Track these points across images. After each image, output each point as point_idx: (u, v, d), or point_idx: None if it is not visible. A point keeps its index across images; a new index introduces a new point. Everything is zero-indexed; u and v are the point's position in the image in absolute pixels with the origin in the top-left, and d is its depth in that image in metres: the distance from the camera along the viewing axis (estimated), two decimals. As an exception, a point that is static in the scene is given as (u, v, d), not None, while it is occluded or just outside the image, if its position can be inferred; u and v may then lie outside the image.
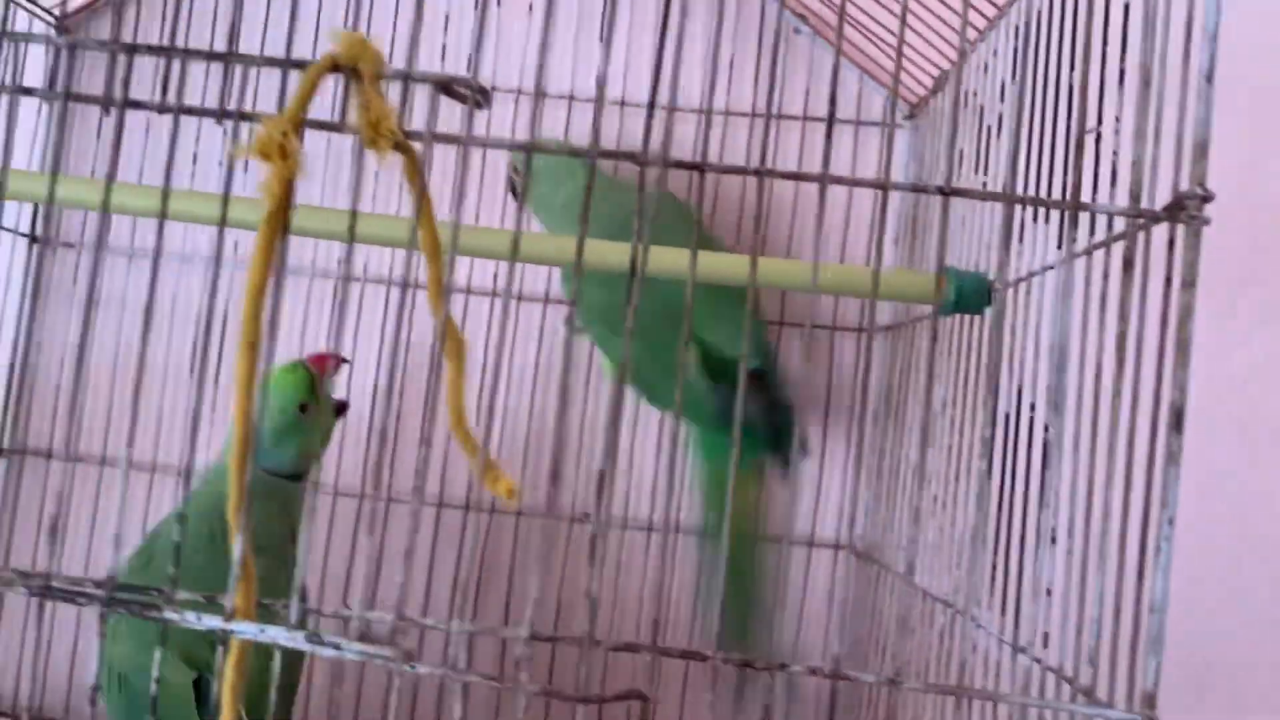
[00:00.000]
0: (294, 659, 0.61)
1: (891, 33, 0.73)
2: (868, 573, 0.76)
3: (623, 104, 0.79)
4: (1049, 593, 0.45)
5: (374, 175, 0.79)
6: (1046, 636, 0.45)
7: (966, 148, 0.64)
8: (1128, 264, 0.36)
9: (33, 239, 0.79)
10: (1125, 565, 0.36)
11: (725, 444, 0.60)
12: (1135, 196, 0.35)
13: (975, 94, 0.64)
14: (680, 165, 0.34)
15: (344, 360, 0.68)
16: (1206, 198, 0.34)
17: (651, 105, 0.34)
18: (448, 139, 0.36)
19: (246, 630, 0.31)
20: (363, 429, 0.77)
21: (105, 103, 0.34)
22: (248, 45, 0.58)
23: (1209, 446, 0.80)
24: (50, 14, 0.77)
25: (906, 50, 0.74)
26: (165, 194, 0.36)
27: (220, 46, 0.38)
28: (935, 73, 0.72)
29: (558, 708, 0.75)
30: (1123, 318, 0.35)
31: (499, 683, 0.31)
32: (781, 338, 0.80)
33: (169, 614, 0.32)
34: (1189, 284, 0.34)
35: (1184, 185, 0.35)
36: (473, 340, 0.77)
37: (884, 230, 0.36)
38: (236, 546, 0.32)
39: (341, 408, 0.69)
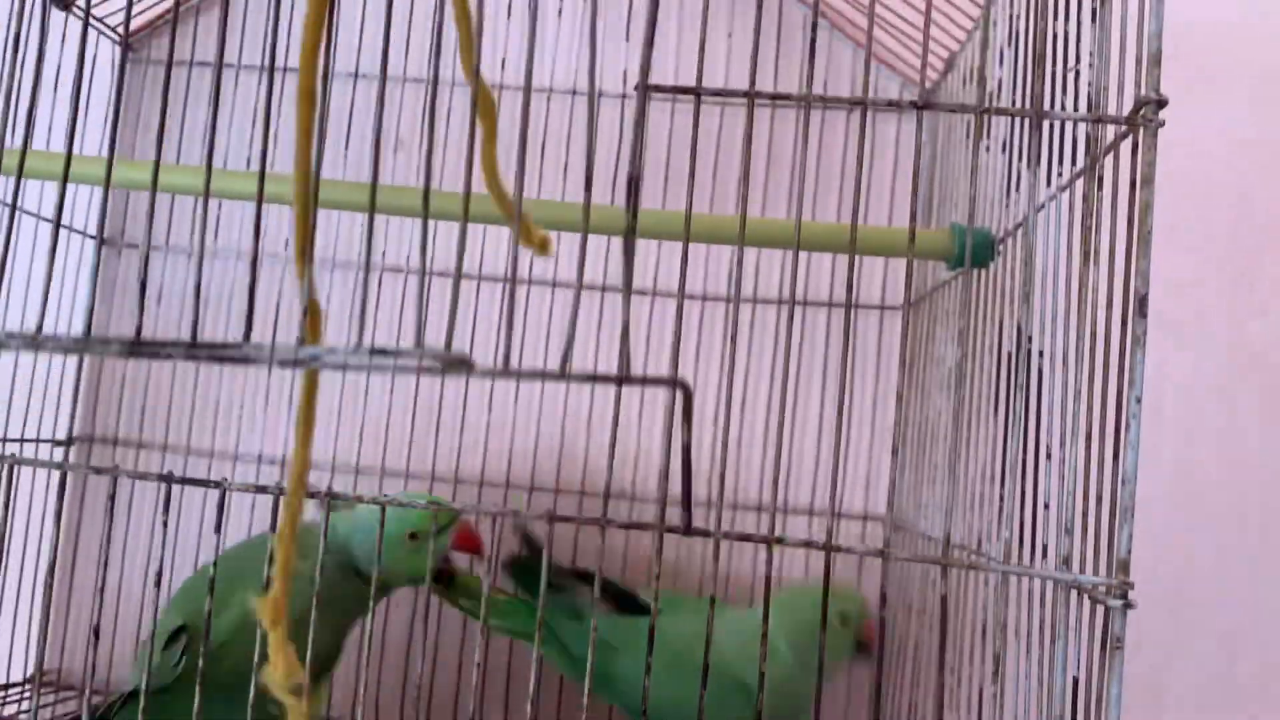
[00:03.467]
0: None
1: (903, 18, 0.77)
2: (899, 538, 0.78)
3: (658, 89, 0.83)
4: (1046, 507, 0.48)
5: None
6: (1046, 548, 0.47)
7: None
8: (1089, 171, 0.39)
9: (102, 241, 0.84)
10: (1105, 450, 0.38)
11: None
12: (1093, 106, 0.38)
13: (980, 67, 0.67)
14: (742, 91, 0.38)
15: (480, 553, 0.70)
16: (1162, 102, 0.37)
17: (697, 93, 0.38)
18: None
19: (314, 352, 0.31)
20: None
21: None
22: None
23: (1233, 417, 0.82)
24: (115, 31, 0.83)
25: (915, 35, 0.77)
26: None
27: None
28: (944, 54, 0.76)
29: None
30: (1088, 217, 0.38)
31: (551, 376, 0.32)
32: (806, 316, 0.83)
33: (248, 349, 0.32)
34: (1148, 181, 0.37)
35: (1142, 94, 0.38)
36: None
37: (919, 161, 0.39)
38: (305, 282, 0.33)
39: (444, 576, 0.69)
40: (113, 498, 0.40)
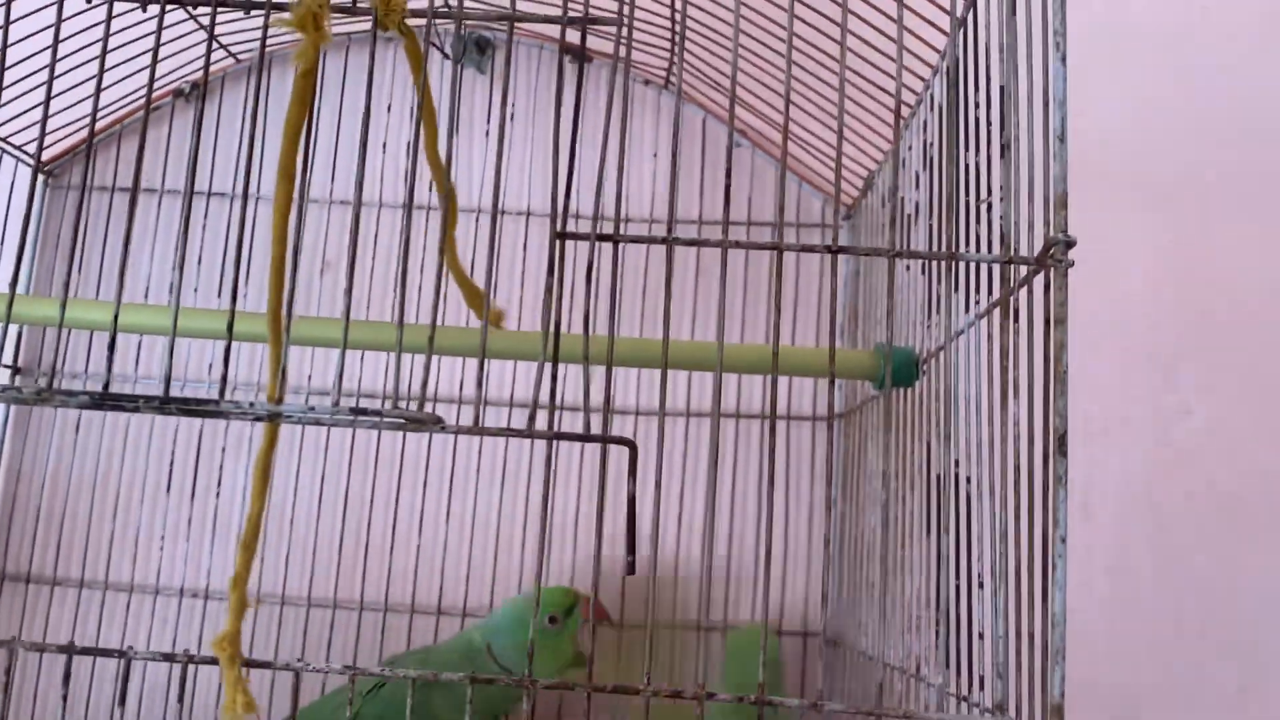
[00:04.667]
0: None
1: (824, 141, 0.78)
2: (837, 654, 0.77)
3: (578, 216, 0.84)
4: (981, 637, 0.47)
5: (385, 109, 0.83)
6: (982, 680, 0.46)
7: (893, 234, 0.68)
8: (1003, 307, 0.39)
9: (15, 370, 0.82)
10: (1030, 588, 0.38)
11: None
12: (1005, 246, 0.39)
13: (898, 188, 0.69)
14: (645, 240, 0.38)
15: (610, 622, 0.74)
16: (1070, 243, 0.38)
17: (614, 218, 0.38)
18: (445, 15, 0.40)
19: (291, 409, 0.32)
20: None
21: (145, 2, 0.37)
22: None
23: (1164, 520, 0.83)
24: (32, 157, 0.82)
25: (834, 155, 0.79)
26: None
27: None
28: (864, 174, 0.77)
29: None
30: (1004, 357, 0.39)
31: (517, 433, 0.33)
32: (740, 428, 0.83)
33: (225, 405, 0.33)
34: (1060, 321, 0.37)
35: (1051, 234, 0.39)
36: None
37: (835, 302, 0.40)
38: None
39: (582, 660, 0.70)
40: (9, 671, 0.38)
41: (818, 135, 0.78)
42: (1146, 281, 0.85)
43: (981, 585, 0.46)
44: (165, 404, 0.33)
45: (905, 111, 0.67)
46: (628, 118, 0.46)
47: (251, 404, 0.34)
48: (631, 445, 0.36)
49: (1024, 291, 0.42)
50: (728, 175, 0.38)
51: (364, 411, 0.33)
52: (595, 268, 0.38)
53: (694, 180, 0.85)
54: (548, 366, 0.37)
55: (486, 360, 0.35)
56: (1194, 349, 0.85)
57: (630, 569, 0.35)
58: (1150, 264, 0.85)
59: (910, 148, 0.66)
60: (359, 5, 0.39)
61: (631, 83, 0.84)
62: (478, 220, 0.84)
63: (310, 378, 0.82)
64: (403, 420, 0.33)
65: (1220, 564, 0.82)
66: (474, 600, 0.80)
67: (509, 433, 0.35)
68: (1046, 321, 0.38)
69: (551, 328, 0.38)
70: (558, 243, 0.38)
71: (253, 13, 0.41)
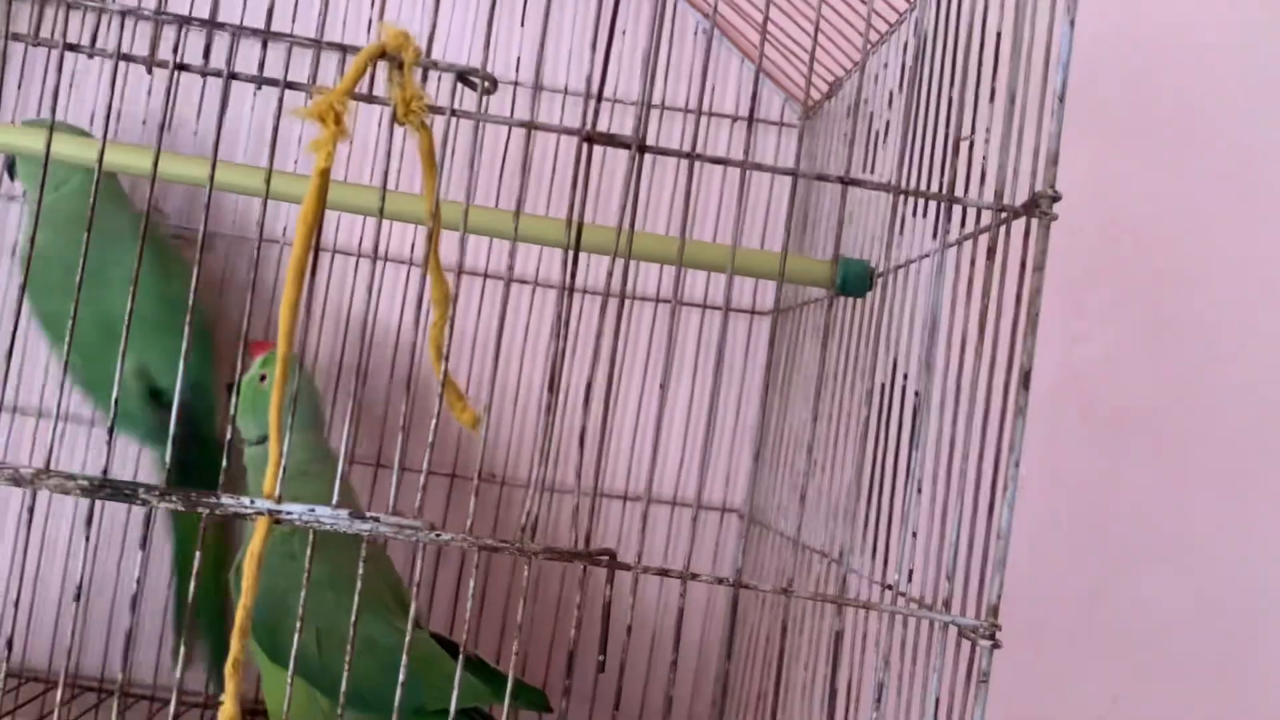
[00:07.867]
0: None
1: (790, 36, 0.80)
2: (753, 534, 0.83)
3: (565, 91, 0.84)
4: (915, 535, 0.52)
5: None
6: (911, 573, 0.52)
7: (856, 149, 0.71)
8: (991, 251, 0.43)
9: None
10: (979, 501, 0.43)
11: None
12: (999, 194, 0.42)
13: (866, 101, 0.71)
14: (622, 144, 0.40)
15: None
16: (1056, 198, 0.41)
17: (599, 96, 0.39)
18: (465, 115, 0.41)
19: (296, 510, 0.35)
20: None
21: (151, 64, 0.38)
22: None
23: (1057, 430, 0.90)
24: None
25: (804, 55, 0.80)
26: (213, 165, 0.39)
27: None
28: (830, 78, 0.79)
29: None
30: (985, 295, 0.42)
31: (508, 546, 0.36)
32: (678, 315, 0.86)
33: (225, 500, 0.36)
34: (1039, 268, 0.41)
35: (1039, 187, 0.42)
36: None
37: (792, 216, 0.43)
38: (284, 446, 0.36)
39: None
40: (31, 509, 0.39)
41: (786, 32, 0.80)
42: (1067, 218, 0.90)
43: (920, 490, 0.51)
44: (165, 495, 0.34)
45: (883, 27, 0.69)
46: None
47: (252, 501, 0.36)
48: (612, 559, 0.38)
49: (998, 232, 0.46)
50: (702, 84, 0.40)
51: (362, 516, 0.35)
52: (632, 174, 0.40)
53: (660, 62, 0.86)
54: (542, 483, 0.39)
55: (479, 484, 0.38)
56: (1102, 283, 0.92)
57: (600, 668, 0.38)
58: (1073, 203, 0.90)
59: (886, 65, 0.68)
60: (375, 97, 0.39)
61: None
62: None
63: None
64: (397, 526, 0.35)
65: (1098, 472, 0.91)
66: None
67: (497, 546, 0.37)
68: (1023, 265, 0.42)
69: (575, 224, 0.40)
70: (585, 145, 0.40)
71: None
